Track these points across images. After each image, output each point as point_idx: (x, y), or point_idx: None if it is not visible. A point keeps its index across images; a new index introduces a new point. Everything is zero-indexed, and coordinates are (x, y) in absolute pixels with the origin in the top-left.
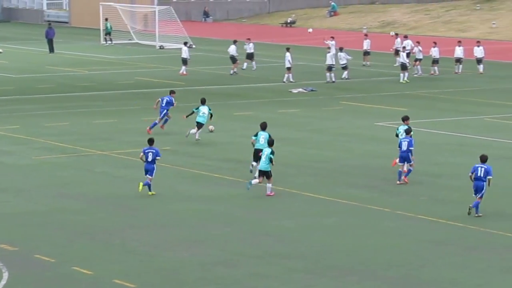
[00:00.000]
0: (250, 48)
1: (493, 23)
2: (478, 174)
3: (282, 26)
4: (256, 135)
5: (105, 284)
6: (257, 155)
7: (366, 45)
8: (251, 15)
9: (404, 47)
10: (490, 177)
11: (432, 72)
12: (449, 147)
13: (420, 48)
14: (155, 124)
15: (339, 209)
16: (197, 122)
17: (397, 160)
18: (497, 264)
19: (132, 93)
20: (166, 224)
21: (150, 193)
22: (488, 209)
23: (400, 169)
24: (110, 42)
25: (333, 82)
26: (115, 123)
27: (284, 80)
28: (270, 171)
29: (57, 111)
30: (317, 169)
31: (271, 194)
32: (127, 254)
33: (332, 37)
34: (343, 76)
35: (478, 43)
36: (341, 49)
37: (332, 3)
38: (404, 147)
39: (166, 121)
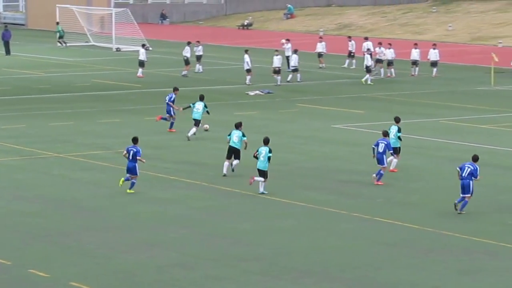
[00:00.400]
0: (199, 50)
1: (449, 26)
2: (463, 174)
3: (239, 28)
4: (229, 134)
5: (62, 287)
6: (230, 153)
7: (321, 47)
8: (208, 17)
9: (368, 49)
10: (475, 178)
11: (389, 74)
12: (405, 150)
13: (383, 49)
14: (171, 122)
15: (296, 211)
16: (193, 119)
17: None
18: (453, 266)
19: (89, 95)
20: (123, 226)
21: (129, 191)
22: (444, 211)
23: (381, 171)
24: (64, 45)
25: (279, 85)
26: (72, 125)
27: (247, 82)
28: (267, 171)
29: (13, 113)
30: (274, 172)
31: (265, 192)
32: (84, 256)
33: (288, 40)
34: (290, 79)
35: (434, 46)
36: (295, 51)
37: (289, 6)
38: (381, 149)
39: (165, 119)
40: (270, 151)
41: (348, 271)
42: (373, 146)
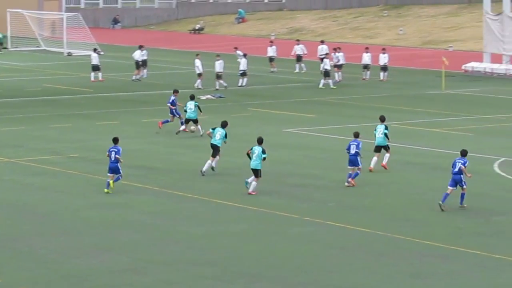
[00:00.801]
0: (142, 55)
1: (400, 30)
2: (455, 169)
3: (190, 32)
4: (214, 128)
5: None
6: (213, 149)
7: (272, 51)
8: (160, 21)
9: (327, 54)
10: (464, 168)
11: (337, 78)
12: None
13: (341, 54)
14: (181, 123)
15: (248, 216)
16: (187, 119)
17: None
18: (405, 269)
19: (40, 100)
20: (74, 231)
21: (106, 190)
22: (395, 214)
23: (350, 172)
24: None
25: (224, 88)
26: (23, 130)
27: (196, 85)
28: (260, 170)
29: None
30: (226, 176)
31: (253, 193)
32: (35, 261)
33: (236, 48)
34: (240, 84)
35: (384, 50)
36: (244, 55)
37: (240, 10)
38: (352, 151)
39: (167, 121)
40: (263, 152)
41: (300, 275)
42: (346, 150)
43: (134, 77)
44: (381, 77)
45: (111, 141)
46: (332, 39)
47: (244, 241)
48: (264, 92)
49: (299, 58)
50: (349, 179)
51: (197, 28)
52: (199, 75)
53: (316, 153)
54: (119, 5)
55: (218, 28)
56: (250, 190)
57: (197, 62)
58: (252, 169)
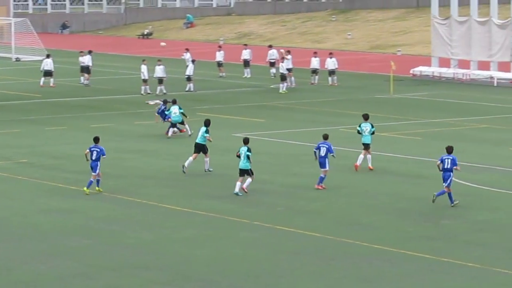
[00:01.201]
0: (83, 61)
1: (349, 34)
2: (445, 166)
3: (139, 37)
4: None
5: None
6: (196, 148)
7: (220, 56)
8: (108, 26)
9: (283, 58)
10: (456, 166)
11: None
12: (306, 158)
13: (289, 57)
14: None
15: (198, 221)
16: (172, 123)
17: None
18: (353, 273)
19: None
20: (23, 237)
21: (97, 189)
22: (345, 219)
23: (322, 175)
24: None
25: (163, 94)
26: None
27: (142, 92)
28: (250, 169)
29: None
30: (175, 181)
31: (246, 190)
32: None
33: (187, 49)
34: (187, 89)
35: (331, 54)
36: (193, 61)
37: (188, 15)
38: (323, 153)
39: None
40: (248, 150)
41: (250, 280)
42: (314, 150)
43: (84, 82)
44: (330, 82)
45: (92, 141)
46: (280, 44)
47: (194, 246)
48: (213, 97)
49: (246, 63)
50: (316, 185)
51: (145, 33)
52: (144, 81)
53: (265, 158)
54: (67, 10)
55: (167, 33)
56: (244, 185)
57: (143, 68)
58: (242, 170)
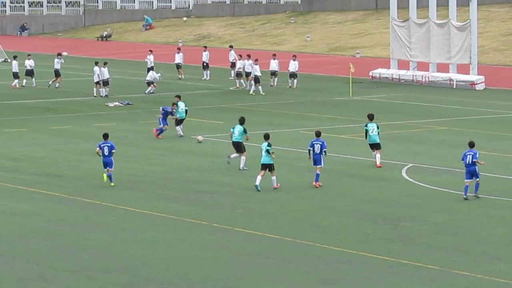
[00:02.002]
0: (30, 64)
1: (307, 37)
2: (467, 162)
3: (98, 40)
4: (233, 128)
5: None
6: (235, 147)
7: (179, 58)
8: (67, 29)
9: (256, 60)
10: (476, 160)
11: (238, 86)
12: None
13: (251, 62)
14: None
15: (157, 223)
16: (179, 119)
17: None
18: (313, 275)
19: None
20: None
21: (111, 184)
22: (304, 221)
23: (317, 172)
24: None
25: (106, 96)
26: None
27: (95, 94)
28: (272, 164)
29: None
30: (134, 183)
31: (277, 186)
32: None
33: (151, 51)
34: (147, 91)
35: (294, 57)
36: (151, 69)
37: (146, 17)
38: (317, 150)
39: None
40: (269, 145)
41: (209, 282)
42: (309, 148)
43: (52, 84)
44: (290, 84)
45: (101, 137)
46: (239, 46)
47: (153, 248)
48: (172, 99)
49: (206, 65)
50: (314, 183)
51: (104, 35)
52: (97, 83)
53: (224, 160)
54: (26, 13)
55: (126, 35)
56: (274, 185)
57: (97, 70)
58: (264, 165)
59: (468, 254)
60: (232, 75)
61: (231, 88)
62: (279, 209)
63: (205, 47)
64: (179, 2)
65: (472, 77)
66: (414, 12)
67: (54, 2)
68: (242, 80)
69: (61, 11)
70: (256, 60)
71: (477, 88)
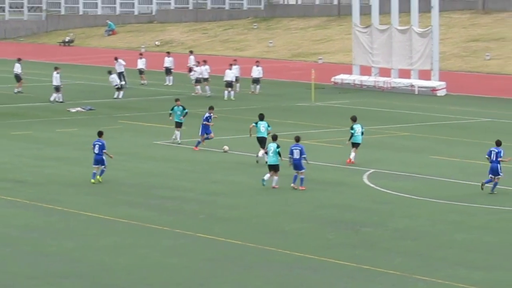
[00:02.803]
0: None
1: (270, 42)
2: (492, 158)
3: (60, 45)
4: (256, 123)
5: None
6: (260, 142)
7: (141, 64)
8: (29, 34)
9: (204, 61)
10: (501, 158)
11: (197, 91)
12: (226, 165)
13: (207, 67)
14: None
15: (119, 228)
16: (176, 122)
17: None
18: (275, 281)
19: None
20: None
21: (98, 178)
22: (266, 226)
23: (301, 176)
24: None
25: (61, 102)
26: None
27: (56, 99)
28: (278, 165)
29: None
30: (96, 188)
31: (276, 186)
32: None
33: (116, 58)
34: (115, 96)
35: (257, 63)
36: (110, 72)
37: (109, 22)
38: (296, 155)
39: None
40: (278, 147)
41: (171, 287)
42: (289, 155)
43: (16, 90)
44: (253, 89)
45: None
46: (202, 52)
47: (115, 253)
48: (134, 105)
49: (168, 71)
50: (295, 185)
51: (67, 40)
52: (57, 88)
53: (186, 165)
54: None
55: (88, 40)
56: (273, 184)
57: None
58: (271, 165)
59: (428, 259)
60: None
61: (192, 94)
62: (241, 215)
63: (168, 52)
64: (142, 8)
65: (434, 83)
66: (376, 18)
67: (16, 7)
68: (199, 86)
69: (23, 16)
70: (205, 61)
71: (438, 94)
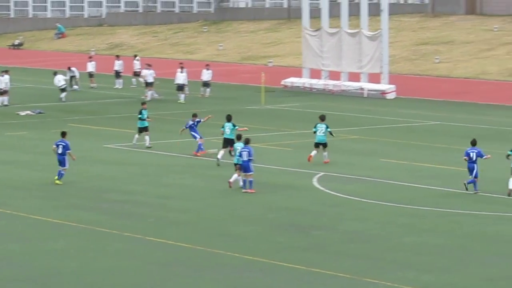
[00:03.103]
0: None
1: (220, 45)
2: (472, 158)
3: (9, 48)
4: (223, 126)
5: None
6: (226, 143)
7: (91, 67)
8: None
9: (181, 64)
10: (485, 157)
11: (146, 95)
12: (178, 169)
13: (152, 71)
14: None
15: (68, 232)
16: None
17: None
18: (225, 284)
19: None
20: None
21: (57, 181)
22: (216, 229)
23: (250, 179)
24: None
25: (6, 105)
26: None
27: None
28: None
29: None
30: (45, 192)
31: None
32: None
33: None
34: (61, 96)
35: (207, 66)
36: (55, 73)
37: (59, 25)
38: (245, 157)
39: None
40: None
41: None
42: (237, 157)
43: None
44: (202, 93)
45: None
46: (152, 55)
47: (64, 257)
48: (84, 108)
49: (118, 74)
50: (246, 189)
51: (16, 43)
52: (3, 92)
53: (137, 169)
54: None
55: (38, 43)
56: (241, 184)
57: (6, 79)
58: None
59: (378, 262)
60: (134, 83)
61: (142, 97)
62: (190, 218)
63: (118, 56)
64: (91, 11)
65: (383, 86)
66: (326, 22)
67: None
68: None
69: None
70: (149, 65)
71: (387, 97)
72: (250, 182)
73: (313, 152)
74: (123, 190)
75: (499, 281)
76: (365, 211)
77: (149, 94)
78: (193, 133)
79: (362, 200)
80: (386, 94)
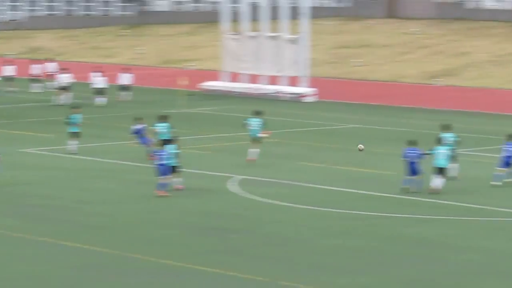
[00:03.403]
0: None
1: (140, 49)
2: (409, 159)
3: None
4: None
5: None
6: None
7: (10, 71)
8: None
9: (101, 72)
10: (424, 157)
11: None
12: (96, 173)
13: (68, 75)
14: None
15: None
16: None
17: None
18: None
19: None
20: None
21: None
22: (132, 233)
23: (166, 182)
24: None
25: None
26: None
27: None
28: (177, 166)
29: None
30: None
31: (180, 187)
32: None
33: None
34: None
35: (126, 69)
36: None
37: None
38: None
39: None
40: (177, 148)
41: None
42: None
43: None
44: (121, 96)
45: None
46: (71, 59)
47: None
48: (1, 112)
49: (36, 78)
50: (161, 192)
51: None
52: None
53: (54, 173)
54: None
55: None
56: (176, 185)
57: None
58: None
59: (294, 264)
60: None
61: (57, 102)
62: (107, 222)
63: (37, 60)
64: (11, 14)
65: (302, 89)
66: (246, 25)
67: None
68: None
69: None
70: (65, 69)
71: (306, 100)
72: (165, 184)
73: (250, 151)
74: (39, 194)
75: (417, 283)
76: (282, 214)
77: (63, 98)
78: (140, 139)
79: (280, 203)
80: (305, 97)
